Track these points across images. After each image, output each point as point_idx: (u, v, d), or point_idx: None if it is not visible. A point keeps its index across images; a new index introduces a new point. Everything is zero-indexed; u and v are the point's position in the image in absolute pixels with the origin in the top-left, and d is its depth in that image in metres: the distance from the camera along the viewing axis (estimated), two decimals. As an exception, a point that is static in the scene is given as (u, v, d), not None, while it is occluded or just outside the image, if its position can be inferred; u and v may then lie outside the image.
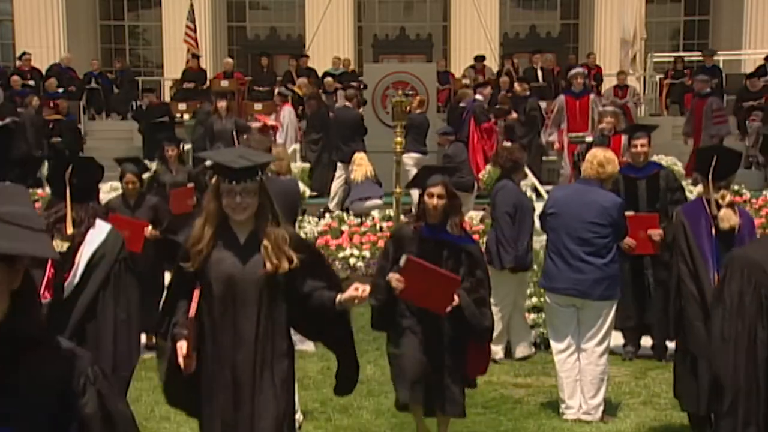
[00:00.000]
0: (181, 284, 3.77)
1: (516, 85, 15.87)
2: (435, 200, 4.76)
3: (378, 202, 11.80)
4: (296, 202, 6.52)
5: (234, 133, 13.15)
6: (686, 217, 5.38)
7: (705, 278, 5.18)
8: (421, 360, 4.86)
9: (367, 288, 3.59)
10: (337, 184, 13.12)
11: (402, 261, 4.60)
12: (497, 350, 7.49)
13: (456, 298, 4.67)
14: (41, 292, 4.41)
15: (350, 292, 3.60)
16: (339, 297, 3.65)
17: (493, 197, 7.56)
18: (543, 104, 15.88)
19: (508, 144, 12.03)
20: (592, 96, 14.00)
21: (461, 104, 15.01)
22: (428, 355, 4.86)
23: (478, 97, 14.40)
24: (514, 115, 14.85)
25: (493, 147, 14.03)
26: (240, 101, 17.88)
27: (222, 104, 13.97)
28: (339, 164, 13.25)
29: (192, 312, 3.67)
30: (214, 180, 3.77)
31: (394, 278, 4.67)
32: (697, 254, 5.23)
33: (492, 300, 7.53)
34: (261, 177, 3.67)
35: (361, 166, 11.99)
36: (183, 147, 10.57)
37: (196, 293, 3.69)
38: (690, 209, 5.46)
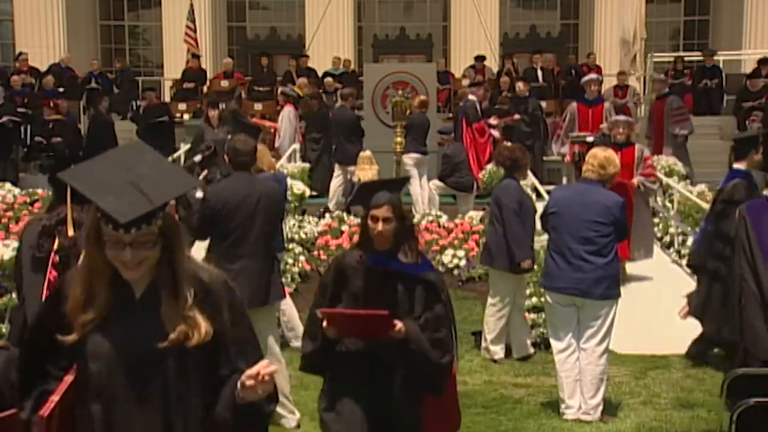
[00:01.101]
0: (37, 359, 2.58)
1: (520, 84, 15.71)
2: (380, 225, 3.87)
3: None
4: (278, 202, 6.21)
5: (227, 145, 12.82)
6: (748, 213, 5.29)
7: (765, 277, 5.09)
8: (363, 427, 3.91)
9: (273, 368, 2.49)
10: (335, 184, 13.12)
11: (319, 315, 3.85)
12: (497, 350, 7.50)
13: (400, 326, 3.76)
14: (43, 294, 4.41)
15: (247, 378, 2.48)
16: (237, 389, 2.53)
17: (497, 196, 7.53)
18: (543, 104, 15.89)
19: (507, 144, 11.99)
20: (606, 104, 12.92)
21: (460, 104, 15.06)
22: (373, 416, 3.90)
23: (471, 97, 14.41)
24: (517, 116, 14.82)
25: (486, 147, 14.01)
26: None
27: (213, 113, 12.83)
28: (337, 165, 13.27)
29: (46, 409, 2.50)
30: (90, 217, 2.54)
31: (325, 328, 3.82)
32: (758, 252, 5.13)
33: (490, 300, 7.57)
34: (163, 216, 2.50)
35: (365, 170, 11.92)
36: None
37: (68, 378, 2.55)
38: (753, 206, 5.39)
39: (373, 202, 3.93)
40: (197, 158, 10.19)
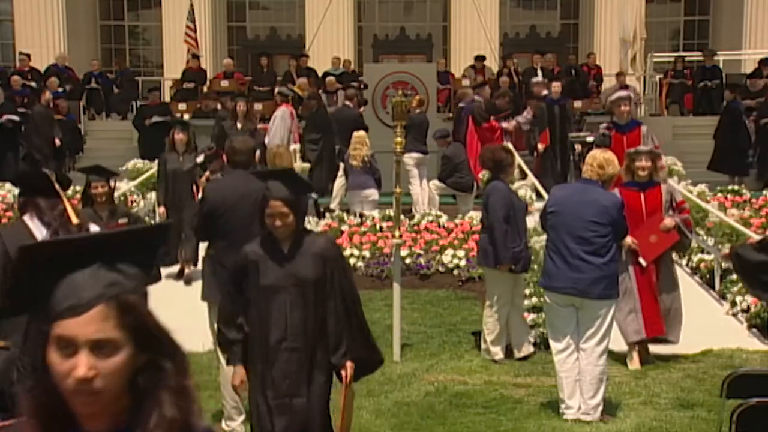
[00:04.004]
0: None
1: (554, 85, 14.90)
2: (82, 372, 1.46)
3: (373, 191, 11.69)
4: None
5: (193, 176, 10.23)
6: None
7: None
8: None
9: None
10: (338, 184, 13.11)
11: None
12: (497, 351, 7.49)
13: None
14: None
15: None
16: None
17: (485, 199, 7.55)
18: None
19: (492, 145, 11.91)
20: (644, 128, 9.62)
21: (460, 104, 15.06)
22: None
23: (477, 98, 14.41)
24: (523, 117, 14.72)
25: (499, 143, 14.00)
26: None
27: (181, 137, 10.29)
28: (341, 164, 13.25)
29: None
30: None
31: None
32: None
33: (487, 301, 7.57)
34: None
35: (357, 149, 11.81)
36: (115, 183, 7.66)
37: None
38: None
39: (66, 304, 1.50)
40: (199, 159, 10.04)
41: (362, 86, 15.64)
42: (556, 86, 14.79)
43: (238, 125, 11.82)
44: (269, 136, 14.34)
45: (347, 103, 13.99)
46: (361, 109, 14.45)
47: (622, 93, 9.91)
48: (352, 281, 4.34)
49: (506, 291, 7.48)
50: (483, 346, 7.57)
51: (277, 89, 16.08)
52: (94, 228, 4.52)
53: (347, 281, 4.26)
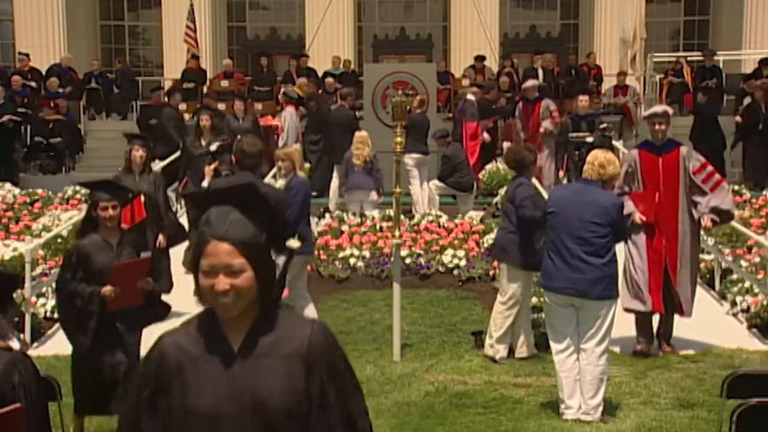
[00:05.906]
0: None
1: (581, 99, 13.05)
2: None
3: (373, 192, 11.66)
4: (281, 205, 6.19)
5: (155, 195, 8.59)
6: None
7: None
8: None
9: None
10: (335, 184, 13.11)
11: None
12: (500, 349, 7.44)
13: None
14: None
15: None
16: None
17: (511, 194, 7.43)
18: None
19: (509, 144, 11.90)
20: (683, 150, 8.04)
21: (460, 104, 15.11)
22: None
23: (470, 96, 14.42)
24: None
25: (475, 149, 13.99)
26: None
27: (141, 153, 8.48)
28: (336, 165, 13.25)
29: None
30: None
31: None
32: None
33: (500, 297, 7.51)
34: None
35: (359, 149, 11.75)
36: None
37: None
38: None
39: None
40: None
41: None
42: (584, 100, 12.99)
43: (203, 141, 10.41)
44: (282, 137, 14.43)
45: (342, 103, 14.01)
46: (359, 113, 14.47)
47: (657, 109, 8.35)
48: (360, 399, 2.39)
49: (520, 288, 7.40)
50: (488, 341, 7.51)
51: (282, 90, 16.08)
52: None
53: (353, 401, 2.36)
